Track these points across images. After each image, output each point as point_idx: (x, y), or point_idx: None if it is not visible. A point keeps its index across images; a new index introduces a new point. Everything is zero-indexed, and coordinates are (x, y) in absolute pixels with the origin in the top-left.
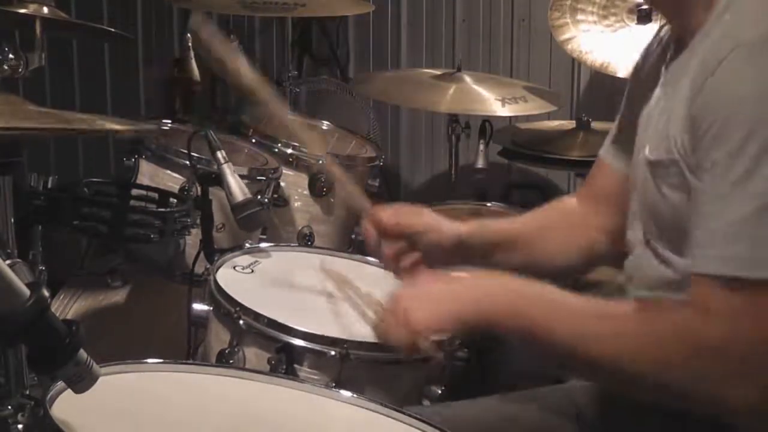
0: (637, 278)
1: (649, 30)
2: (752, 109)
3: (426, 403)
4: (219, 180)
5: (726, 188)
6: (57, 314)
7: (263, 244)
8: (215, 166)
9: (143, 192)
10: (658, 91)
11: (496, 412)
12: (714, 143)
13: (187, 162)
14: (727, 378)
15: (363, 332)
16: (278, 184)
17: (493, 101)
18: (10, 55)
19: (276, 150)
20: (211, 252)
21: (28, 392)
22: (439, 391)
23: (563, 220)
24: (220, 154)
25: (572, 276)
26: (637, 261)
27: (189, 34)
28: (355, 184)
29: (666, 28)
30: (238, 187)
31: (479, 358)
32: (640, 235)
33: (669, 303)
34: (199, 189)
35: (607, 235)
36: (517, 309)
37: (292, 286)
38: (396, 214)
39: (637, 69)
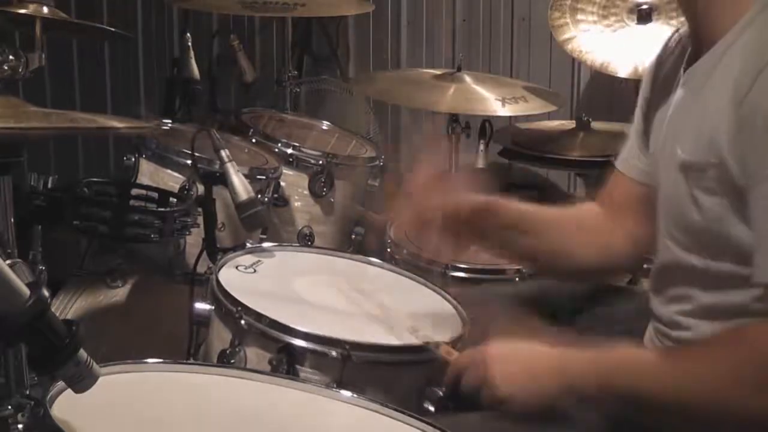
0: (663, 287)
1: (649, 30)
2: None
3: (427, 404)
4: (222, 179)
5: None
6: (57, 314)
7: (266, 244)
8: (217, 166)
9: (143, 192)
10: (679, 92)
11: (497, 423)
12: None
13: (188, 161)
14: None
15: (365, 333)
16: (278, 184)
17: (493, 101)
18: (10, 56)
19: (276, 150)
20: (214, 251)
21: (28, 392)
22: (440, 393)
23: (586, 220)
24: (224, 153)
25: (589, 278)
26: (664, 272)
27: (189, 34)
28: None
29: (683, 30)
30: (242, 186)
31: None
32: (667, 244)
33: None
34: (201, 188)
35: (628, 242)
36: (603, 380)
37: (295, 286)
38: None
39: (655, 76)
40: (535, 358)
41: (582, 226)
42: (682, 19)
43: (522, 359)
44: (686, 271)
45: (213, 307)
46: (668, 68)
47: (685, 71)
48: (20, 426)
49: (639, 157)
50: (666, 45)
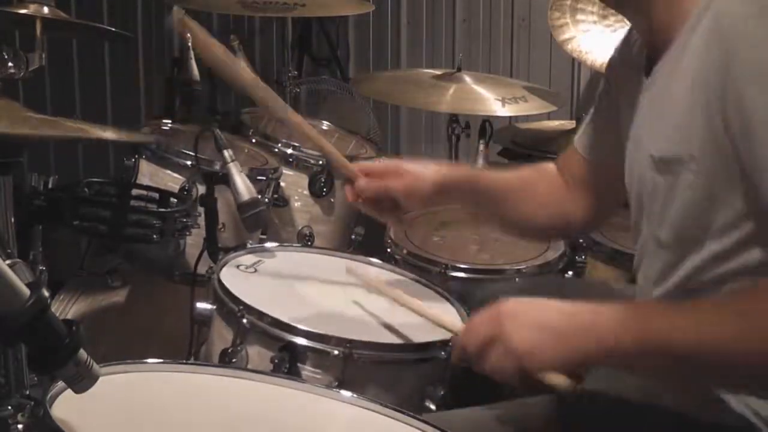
0: (649, 279)
1: None
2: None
3: (428, 403)
4: (225, 178)
5: None
6: (57, 314)
7: (267, 244)
8: (217, 166)
9: (143, 192)
10: (644, 97)
11: (497, 418)
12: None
13: (188, 162)
14: None
15: (366, 332)
16: (278, 184)
17: (493, 101)
18: (8, 57)
19: (276, 150)
20: (215, 251)
21: (28, 392)
22: (441, 392)
23: (545, 184)
24: (227, 153)
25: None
26: (651, 265)
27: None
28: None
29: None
30: (244, 186)
31: None
32: (650, 241)
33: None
34: (201, 188)
35: (581, 212)
36: (631, 324)
37: (296, 285)
38: (376, 174)
39: (613, 67)
40: (556, 312)
41: (541, 189)
42: None
43: (540, 314)
44: (670, 265)
45: (215, 307)
46: (627, 69)
47: (647, 77)
48: (20, 426)
49: (595, 140)
50: (623, 44)
